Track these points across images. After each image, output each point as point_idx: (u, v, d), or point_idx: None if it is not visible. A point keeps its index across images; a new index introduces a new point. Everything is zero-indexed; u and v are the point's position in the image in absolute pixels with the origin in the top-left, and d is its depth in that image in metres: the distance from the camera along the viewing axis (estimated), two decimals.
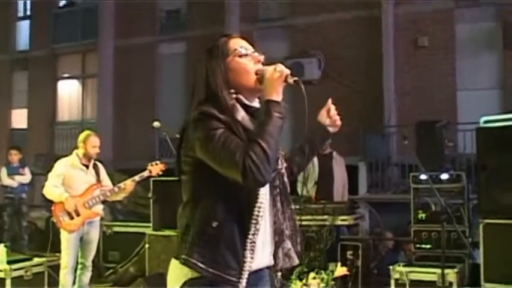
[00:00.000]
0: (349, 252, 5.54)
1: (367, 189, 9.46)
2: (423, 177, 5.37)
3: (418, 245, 5.42)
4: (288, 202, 1.86)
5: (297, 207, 4.73)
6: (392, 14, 10.35)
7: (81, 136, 4.91)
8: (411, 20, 10.29)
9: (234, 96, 1.78)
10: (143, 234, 5.97)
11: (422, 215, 5.47)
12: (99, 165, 5.01)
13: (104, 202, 4.99)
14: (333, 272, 4.78)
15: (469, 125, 7.76)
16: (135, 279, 5.83)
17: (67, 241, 4.71)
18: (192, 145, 1.72)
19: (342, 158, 6.53)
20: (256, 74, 1.79)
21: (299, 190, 5.80)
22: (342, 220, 5.68)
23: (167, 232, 5.65)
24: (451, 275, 4.70)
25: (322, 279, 4.63)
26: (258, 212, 1.73)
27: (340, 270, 4.86)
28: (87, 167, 4.87)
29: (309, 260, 5.16)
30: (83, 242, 4.83)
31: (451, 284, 4.69)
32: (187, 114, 1.77)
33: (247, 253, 1.71)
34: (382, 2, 10.38)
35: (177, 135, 1.86)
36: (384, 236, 7.36)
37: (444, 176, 5.51)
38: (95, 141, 4.87)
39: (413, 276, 4.88)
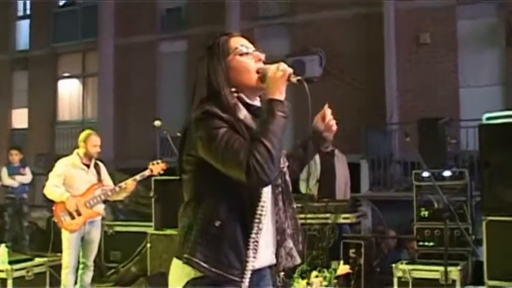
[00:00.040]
0: (351, 251, 5.51)
1: (369, 187, 9.43)
2: (426, 174, 5.35)
3: (420, 243, 5.41)
4: (289, 201, 1.86)
5: (299, 205, 4.71)
6: (393, 11, 10.31)
7: (82, 135, 4.90)
8: (413, 17, 10.25)
9: (236, 95, 1.77)
10: (145, 233, 5.95)
11: (425, 213, 5.46)
12: (100, 164, 5.00)
13: (105, 202, 4.98)
14: (335, 270, 4.77)
15: (471, 121, 7.74)
16: (136, 278, 5.83)
17: (68, 241, 4.70)
18: (194, 144, 1.71)
19: (344, 156, 6.51)
20: (258, 72, 1.79)
21: (302, 189, 5.77)
22: (344, 218, 5.66)
23: (169, 231, 5.63)
24: (454, 272, 4.69)
25: (324, 278, 4.61)
26: (261, 211, 1.72)
27: (343, 269, 4.84)
28: (88, 166, 4.86)
29: (312, 258, 5.15)
30: (84, 241, 4.82)
31: (454, 281, 4.67)
32: (189, 113, 1.75)
33: (250, 252, 1.70)
34: None
35: (178, 134, 1.84)
36: (387, 234, 7.34)
37: (447, 173, 5.50)
38: (95, 140, 4.86)
39: (416, 274, 4.87)
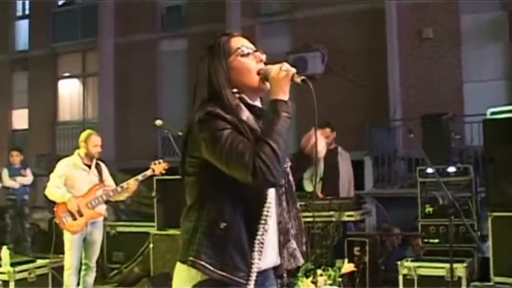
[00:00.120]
0: (356, 248, 5.47)
1: (373, 184, 9.39)
2: (430, 170, 5.31)
3: (425, 240, 5.38)
4: (293, 201, 1.86)
5: (302, 203, 4.67)
6: (395, 6, 10.25)
7: (83, 135, 4.87)
8: (415, 12, 10.19)
9: (237, 95, 1.76)
10: (147, 234, 5.93)
11: (429, 209, 5.42)
12: (102, 164, 4.98)
13: (107, 202, 4.96)
14: (340, 268, 4.73)
15: (475, 117, 7.69)
16: (140, 279, 5.82)
17: (70, 242, 4.69)
18: (198, 146, 1.69)
19: (348, 153, 6.46)
20: (259, 73, 1.78)
21: (306, 187, 5.73)
22: (349, 216, 5.61)
23: (172, 231, 5.61)
24: (460, 269, 4.66)
25: (329, 276, 4.57)
26: (267, 212, 1.71)
27: (348, 267, 4.80)
28: (89, 166, 4.83)
29: (316, 256, 5.11)
30: (86, 242, 4.80)
31: (460, 278, 4.65)
32: (192, 114, 1.74)
33: (255, 254, 1.70)
34: None
35: (180, 133, 1.82)
36: (391, 231, 7.29)
37: (451, 169, 5.46)
38: (96, 140, 4.83)
39: (422, 272, 4.84)
